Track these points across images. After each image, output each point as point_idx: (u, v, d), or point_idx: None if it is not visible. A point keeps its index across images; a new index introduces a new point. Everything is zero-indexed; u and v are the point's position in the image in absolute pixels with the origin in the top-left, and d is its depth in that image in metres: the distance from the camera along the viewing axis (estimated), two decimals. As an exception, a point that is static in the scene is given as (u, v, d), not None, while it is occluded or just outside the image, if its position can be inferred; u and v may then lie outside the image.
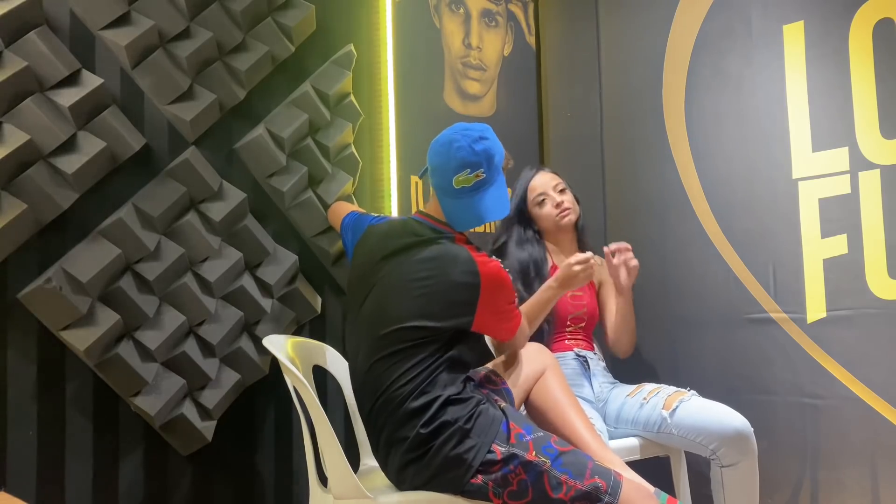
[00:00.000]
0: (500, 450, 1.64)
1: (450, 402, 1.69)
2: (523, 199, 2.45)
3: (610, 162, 2.89)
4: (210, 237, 2.08)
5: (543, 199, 2.42)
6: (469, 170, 1.79)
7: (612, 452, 1.84)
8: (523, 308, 2.24)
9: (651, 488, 1.73)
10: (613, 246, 2.36)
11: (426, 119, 2.63)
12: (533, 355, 2.02)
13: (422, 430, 1.66)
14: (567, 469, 1.62)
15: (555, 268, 2.39)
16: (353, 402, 1.97)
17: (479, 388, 1.86)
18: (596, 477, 1.62)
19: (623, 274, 2.35)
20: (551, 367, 2.00)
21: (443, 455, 1.64)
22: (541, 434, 1.69)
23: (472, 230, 2.00)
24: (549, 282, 2.17)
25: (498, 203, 1.84)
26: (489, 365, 2.00)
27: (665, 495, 1.74)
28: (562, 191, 2.44)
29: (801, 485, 2.35)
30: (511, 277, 2.31)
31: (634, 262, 2.35)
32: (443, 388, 1.70)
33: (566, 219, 2.40)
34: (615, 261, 2.35)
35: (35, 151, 1.77)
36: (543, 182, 2.44)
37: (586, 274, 2.12)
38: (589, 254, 2.14)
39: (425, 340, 1.73)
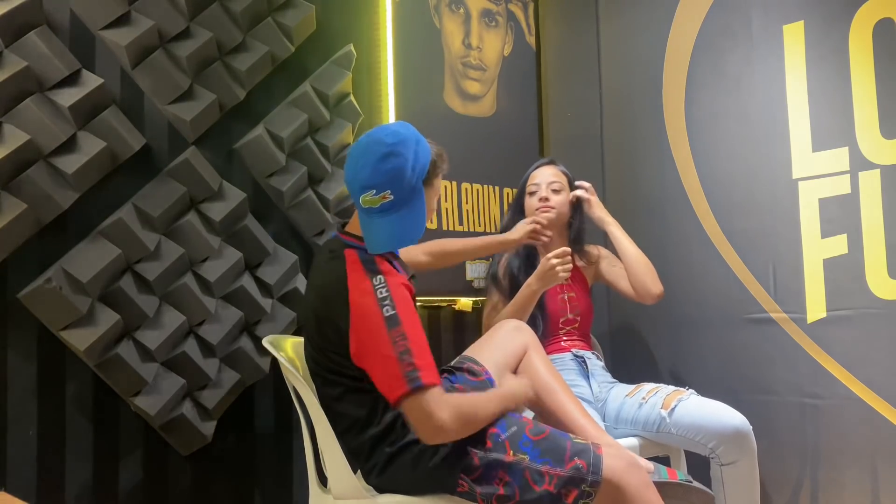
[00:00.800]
0: (476, 453, 1.58)
1: None
2: (523, 187, 2.46)
3: (610, 162, 2.89)
4: (210, 237, 2.08)
5: (534, 191, 2.42)
6: (374, 191, 1.57)
7: (609, 437, 1.83)
8: (507, 309, 2.22)
9: (651, 464, 1.72)
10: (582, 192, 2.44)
11: (426, 119, 2.62)
12: (511, 333, 1.94)
13: (388, 449, 1.61)
14: (546, 458, 1.58)
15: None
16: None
17: (452, 384, 1.77)
18: (576, 458, 1.57)
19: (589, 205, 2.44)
20: (533, 346, 1.93)
21: (421, 470, 1.59)
22: (515, 428, 1.63)
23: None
24: (529, 279, 2.17)
25: (411, 226, 1.63)
26: (468, 353, 1.90)
27: (664, 468, 1.73)
28: (556, 190, 2.41)
29: (801, 485, 2.35)
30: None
31: (586, 197, 2.43)
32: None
33: (542, 215, 2.38)
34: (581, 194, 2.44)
35: (35, 151, 1.77)
36: (543, 176, 2.43)
37: (565, 269, 2.11)
38: (567, 248, 2.13)
39: (349, 373, 1.61)
